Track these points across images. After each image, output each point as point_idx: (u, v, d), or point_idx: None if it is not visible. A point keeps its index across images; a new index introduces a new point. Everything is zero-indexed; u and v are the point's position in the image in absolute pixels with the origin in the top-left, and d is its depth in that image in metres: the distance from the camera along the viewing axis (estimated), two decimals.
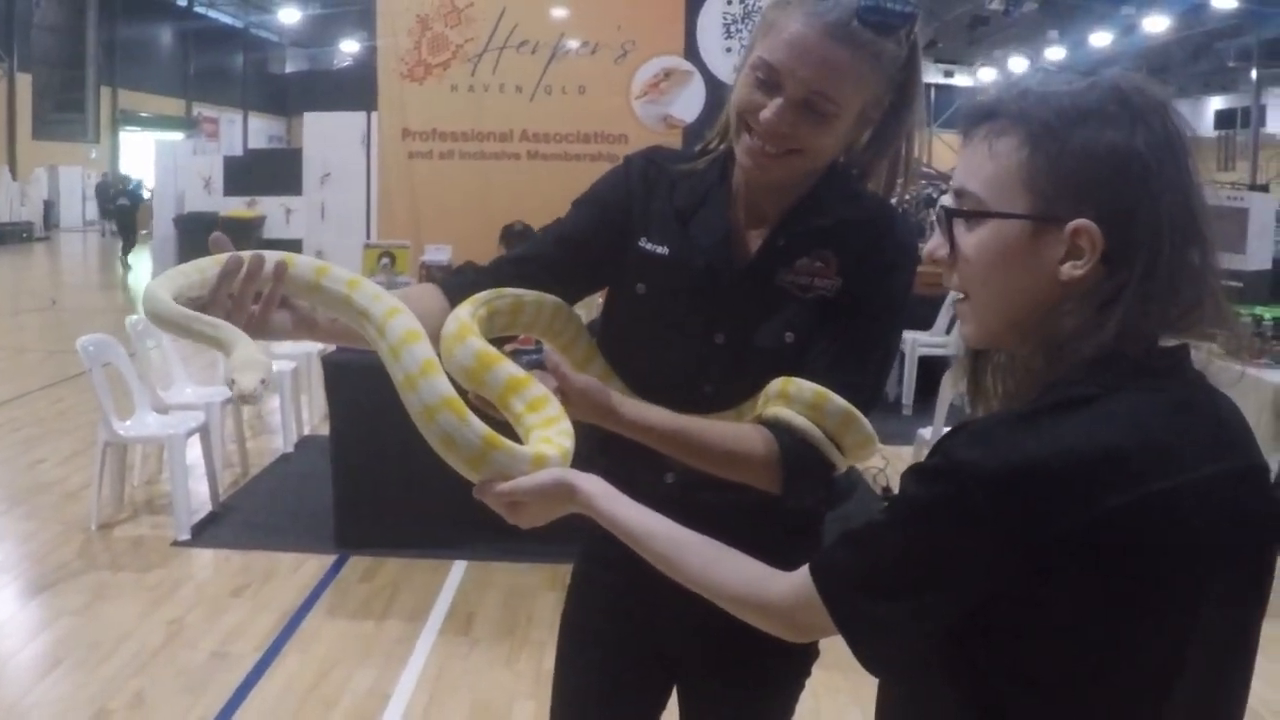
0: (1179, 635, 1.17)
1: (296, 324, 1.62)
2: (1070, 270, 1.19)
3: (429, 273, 6.44)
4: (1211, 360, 1.25)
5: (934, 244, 1.31)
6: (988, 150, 1.24)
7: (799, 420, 1.69)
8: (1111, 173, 1.17)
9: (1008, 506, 1.11)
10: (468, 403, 1.46)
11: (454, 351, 1.57)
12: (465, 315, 1.62)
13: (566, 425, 1.53)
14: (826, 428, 1.69)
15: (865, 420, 1.71)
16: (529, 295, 1.79)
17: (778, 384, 1.73)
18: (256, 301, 1.56)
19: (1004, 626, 1.16)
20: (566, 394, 1.63)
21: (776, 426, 1.70)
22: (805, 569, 1.28)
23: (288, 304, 1.61)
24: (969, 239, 1.26)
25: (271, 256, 1.56)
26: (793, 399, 1.70)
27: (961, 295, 1.30)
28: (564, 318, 1.85)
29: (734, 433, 1.72)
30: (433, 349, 1.48)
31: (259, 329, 1.55)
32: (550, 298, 1.82)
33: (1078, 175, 1.18)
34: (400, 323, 1.49)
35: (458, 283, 1.81)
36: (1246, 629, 1.25)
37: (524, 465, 1.42)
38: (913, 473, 1.20)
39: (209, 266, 1.54)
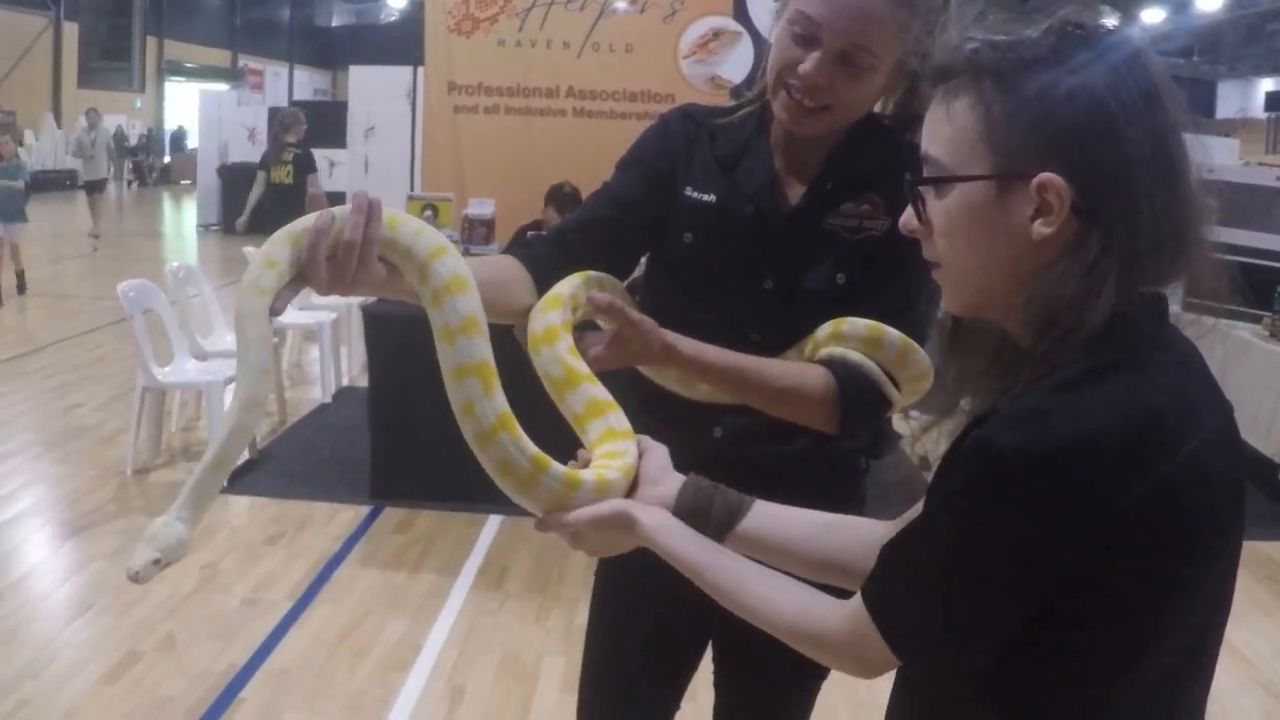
0: (1211, 603, 1.14)
1: (390, 275, 1.43)
2: (1041, 229, 1.11)
3: (471, 226, 6.42)
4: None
5: (906, 216, 1.23)
6: (946, 112, 1.17)
7: (855, 356, 1.68)
8: (1073, 120, 1.09)
9: (1071, 485, 1.03)
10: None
11: (541, 352, 1.51)
12: (555, 320, 1.54)
13: (629, 462, 1.40)
14: (883, 361, 1.69)
15: (922, 352, 1.69)
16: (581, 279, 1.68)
17: (829, 326, 1.72)
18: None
19: (1043, 616, 1.09)
20: (622, 332, 1.60)
21: (833, 363, 1.69)
22: (858, 596, 1.20)
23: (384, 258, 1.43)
24: (938, 207, 1.18)
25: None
26: (847, 337, 1.70)
27: (938, 264, 1.22)
28: (608, 284, 1.76)
29: (792, 369, 1.71)
30: (479, 303, 1.34)
31: (360, 271, 1.36)
32: (590, 274, 1.71)
33: (1037, 127, 1.11)
34: (446, 265, 1.34)
35: (531, 255, 1.74)
36: (1230, 580, 1.19)
37: (588, 494, 1.34)
38: (951, 468, 1.11)
39: (283, 248, 1.34)
